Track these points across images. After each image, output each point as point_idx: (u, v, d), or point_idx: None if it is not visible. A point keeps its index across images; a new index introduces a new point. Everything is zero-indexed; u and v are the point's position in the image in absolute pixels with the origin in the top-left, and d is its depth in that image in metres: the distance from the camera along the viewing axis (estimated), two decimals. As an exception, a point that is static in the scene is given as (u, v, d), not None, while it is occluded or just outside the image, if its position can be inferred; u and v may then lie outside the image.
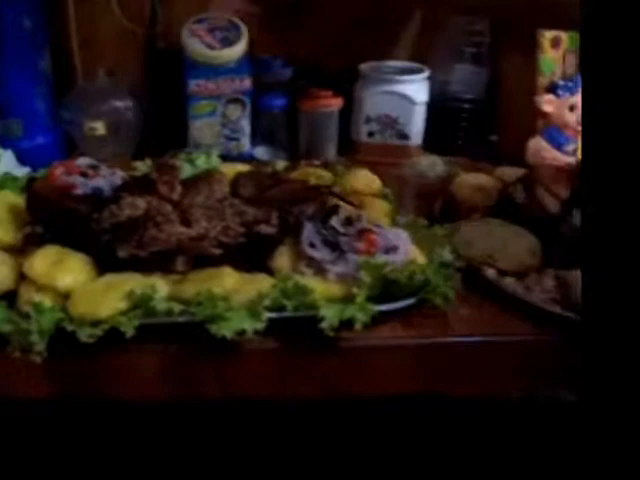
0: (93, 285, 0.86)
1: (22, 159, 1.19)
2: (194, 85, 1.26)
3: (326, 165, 1.16)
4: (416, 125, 1.32)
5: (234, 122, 1.29)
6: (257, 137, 1.37)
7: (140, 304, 0.81)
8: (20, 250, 0.95)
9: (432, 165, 1.36)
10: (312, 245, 0.91)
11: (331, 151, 1.36)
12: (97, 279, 0.87)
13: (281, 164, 1.21)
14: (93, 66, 1.33)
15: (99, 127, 1.28)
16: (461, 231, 1.04)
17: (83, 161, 1.07)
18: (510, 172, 1.16)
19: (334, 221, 0.93)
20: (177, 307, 0.82)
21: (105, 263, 0.90)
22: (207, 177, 1.03)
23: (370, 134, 1.37)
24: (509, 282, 0.95)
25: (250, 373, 0.86)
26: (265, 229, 0.92)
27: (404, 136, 1.37)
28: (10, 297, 0.87)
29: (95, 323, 0.80)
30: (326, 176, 1.14)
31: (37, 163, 1.21)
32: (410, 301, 0.88)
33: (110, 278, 0.87)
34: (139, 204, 0.94)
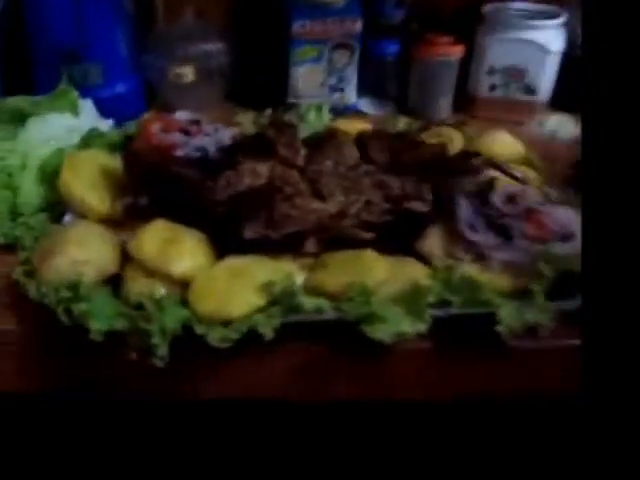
0: (215, 272, 0.71)
1: (101, 110, 1.02)
2: (298, 27, 1.08)
3: (457, 126, 0.98)
4: (547, 78, 1.14)
5: (340, 70, 1.12)
6: (362, 88, 1.19)
7: (280, 300, 0.66)
8: (118, 222, 0.80)
9: (562, 124, 1.18)
10: (472, 227, 0.75)
11: (445, 106, 1.19)
12: (217, 264, 0.72)
13: (402, 121, 1.03)
14: (178, 6, 1.15)
15: (187, 73, 1.12)
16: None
17: (182, 115, 0.91)
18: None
19: (495, 198, 0.77)
20: (326, 304, 0.67)
21: (223, 242, 0.75)
22: (332, 138, 0.87)
23: (492, 88, 1.19)
24: None
25: (405, 374, 0.72)
26: (417, 206, 0.76)
27: (531, 91, 1.18)
28: (114, 281, 0.73)
29: (226, 322, 0.65)
30: (458, 138, 0.97)
31: (118, 115, 1.05)
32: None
33: (233, 263, 0.72)
34: (261, 171, 0.78)
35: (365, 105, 1.20)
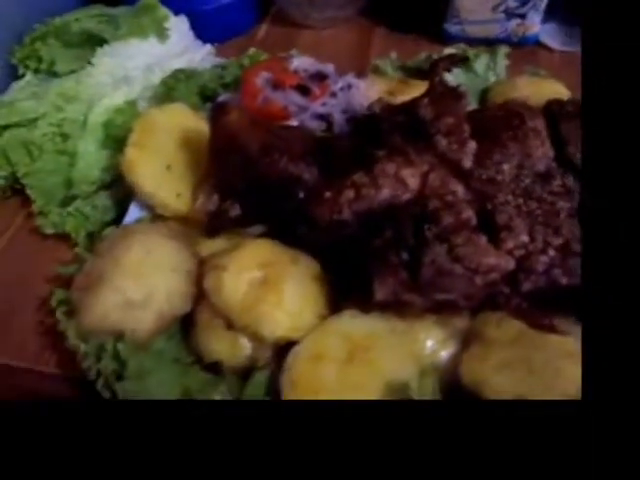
0: (325, 349, 0.48)
1: (199, 30, 0.77)
2: None
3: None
4: None
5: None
6: (549, 11, 0.86)
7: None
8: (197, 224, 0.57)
9: None
10: None
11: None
12: (328, 325, 0.49)
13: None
14: None
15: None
16: None
17: (301, 62, 0.65)
18: None
19: None
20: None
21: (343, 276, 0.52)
22: (514, 121, 0.58)
23: None
24: None
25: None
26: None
27: None
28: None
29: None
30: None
31: (221, 33, 0.80)
32: None
33: (352, 329, 0.49)
34: (408, 179, 0.52)
35: (551, 36, 0.87)
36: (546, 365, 0.46)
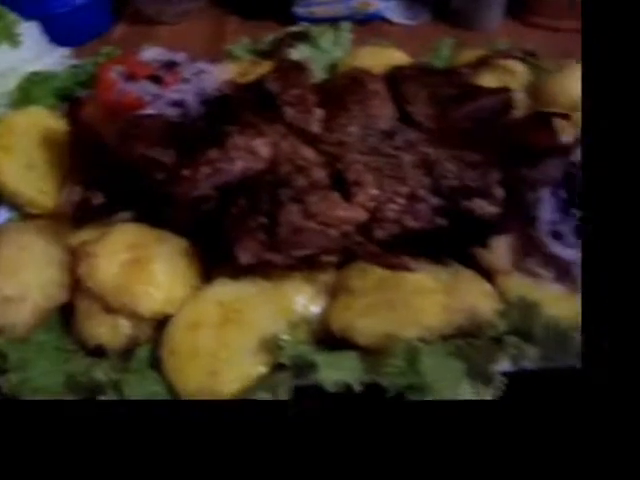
0: (200, 316, 0.50)
1: (53, 34, 0.78)
2: None
3: (524, 57, 0.72)
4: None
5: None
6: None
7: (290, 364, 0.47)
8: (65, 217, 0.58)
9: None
10: (556, 235, 0.53)
11: (495, 14, 0.92)
12: (202, 295, 0.52)
13: (446, 45, 0.77)
14: None
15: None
16: None
17: (152, 53, 0.67)
18: None
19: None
20: (351, 376, 0.47)
21: (210, 249, 0.55)
22: (357, 85, 0.63)
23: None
24: None
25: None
26: (482, 207, 0.53)
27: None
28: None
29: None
30: (522, 75, 0.72)
31: (75, 36, 0.81)
32: None
33: (224, 296, 0.52)
34: (259, 149, 0.56)
35: (393, 11, 0.93)
36: (405, 303, 0.51)
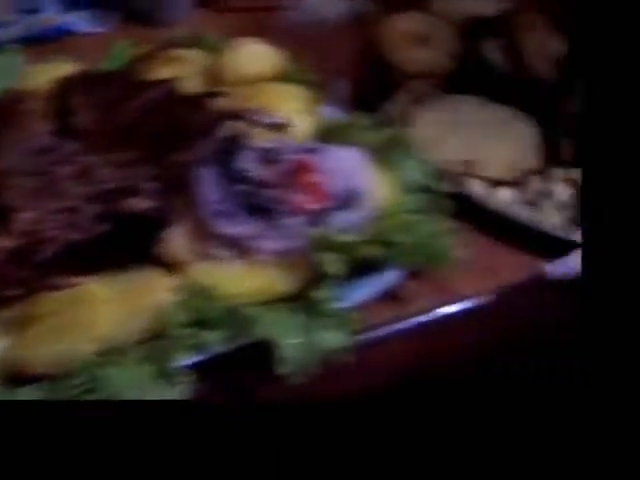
0: None
1: None
2: None
3: (193, 42, 0.73)
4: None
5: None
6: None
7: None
8: None
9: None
10: (221, 213, 0.54)
11: (179, 8, 0.92)
12: None
13: (120, 47, 0.76)
14: None
15: None
16: (414, 124, 0.70)
17: None
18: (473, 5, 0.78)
19: (244, 164, 0.56)
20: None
21: None
22: (7, 110, 0.61)
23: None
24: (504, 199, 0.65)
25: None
26: (135, 204, 0.53)
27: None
28: None
29: None
30: (195, 59, 0.73)
31: None
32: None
33: None
34: None
35: (79, 23, 0.90)
36: (77, 319, 0.50)
